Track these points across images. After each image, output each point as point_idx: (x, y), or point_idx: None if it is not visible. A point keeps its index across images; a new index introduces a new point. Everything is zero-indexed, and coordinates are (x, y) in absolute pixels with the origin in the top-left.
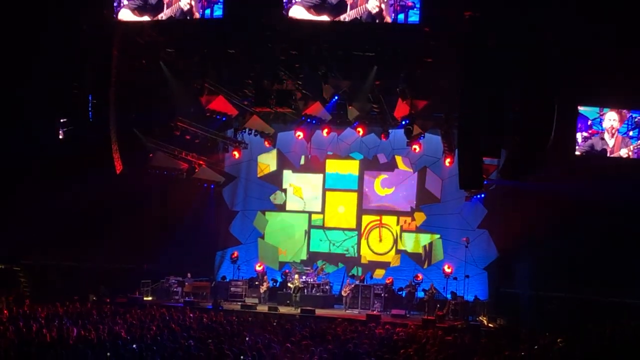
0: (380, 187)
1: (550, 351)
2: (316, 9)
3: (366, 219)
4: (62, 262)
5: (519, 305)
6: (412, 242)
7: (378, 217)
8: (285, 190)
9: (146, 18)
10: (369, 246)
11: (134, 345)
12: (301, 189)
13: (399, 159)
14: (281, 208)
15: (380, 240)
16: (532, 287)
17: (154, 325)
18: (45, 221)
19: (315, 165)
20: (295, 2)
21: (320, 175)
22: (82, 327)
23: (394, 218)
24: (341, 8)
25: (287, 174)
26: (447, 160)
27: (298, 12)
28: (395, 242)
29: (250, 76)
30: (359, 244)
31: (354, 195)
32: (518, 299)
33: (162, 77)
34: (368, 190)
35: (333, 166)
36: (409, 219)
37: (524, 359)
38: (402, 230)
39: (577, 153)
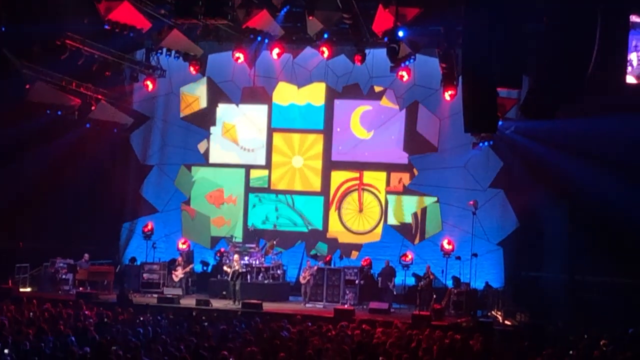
0: (359, 125)
1: (591, 357)
2: None
3: (338, 176)
4: None
5: (548, 294)
6: (398, 209)
7: (357, 174)
8: (209, 137)
9: None
10: (342, 221)
11: (6, 352)
12: (235, 128)
13: (379, 91)
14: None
15: (361, 211)
16: (566, 270)
17: (34, 327)
18: None
19: (261, 99)
20: None
21: (264, 108)
22: None
23: (382, 175)
24: None
25: (223, 110)
26: (448, 93)
27: None
28: (384, 213)
29: None
30: (326, 216)
31: (319, 138)
32: (546, 286)
33: None
34: (341, 130)
35: (284, 93)
36: (406, 176)
37: None
38: (386, 193)
39: (630, 80)
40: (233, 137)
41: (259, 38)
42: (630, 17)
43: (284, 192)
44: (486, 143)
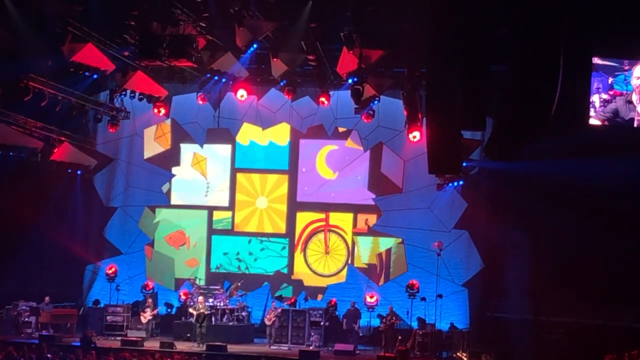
0: (325, 165)
1: None
2: None
3: (303, 218)
4: None
5: (513, 335)
6: (363, 250)
7: (323, 215)
8: (172, 179)
9: None
10: (308, 264)
11: None
12: (206, 161)
13: (344, 132)
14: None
15: (327, 253)
16: (531, 311)
17: None
18: None
19: (226, 140)
20: None
21: (228, 148)
22: None
23: (349, 216)
24: None
25: (187, 151)
26: (412, 135)
27: None
28: (351, 254)
29: (132, 16)
30: (291, 258)
31: (283, 179)
32: (511, 327)
33: (7, 18)
34: (306, 171)
35: (249, 134)
36: (373, 217)
37: None
38: (353, 234)
39: (593, 122)
40: (202, 169)
41: (224, 80)
42: (593, 59)
43: (248, 235)
44: (455, 184)
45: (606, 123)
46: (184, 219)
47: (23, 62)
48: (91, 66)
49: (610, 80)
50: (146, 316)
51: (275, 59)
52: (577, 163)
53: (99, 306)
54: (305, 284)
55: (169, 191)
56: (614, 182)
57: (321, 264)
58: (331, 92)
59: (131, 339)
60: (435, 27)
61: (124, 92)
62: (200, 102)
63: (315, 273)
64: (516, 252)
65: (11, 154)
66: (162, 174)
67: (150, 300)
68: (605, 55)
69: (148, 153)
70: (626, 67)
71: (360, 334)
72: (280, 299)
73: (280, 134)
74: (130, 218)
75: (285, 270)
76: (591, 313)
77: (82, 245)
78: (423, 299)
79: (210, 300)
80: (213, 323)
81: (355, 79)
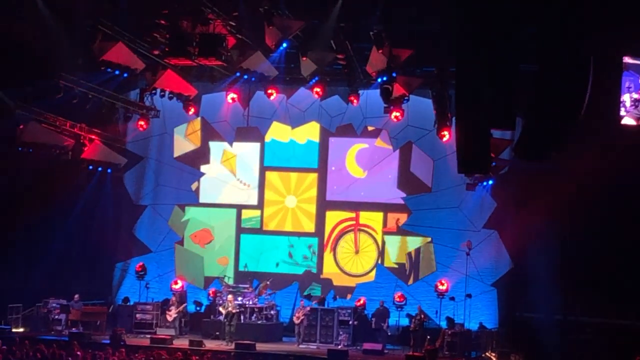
0: (355, 163)
1: None
2: None
3: (333, 217)
4: None
5: (542, 335)
6: (392, 249)
7: (353, 214)
8: (201, 177)
9: None
10: (337, 263)
11: None
12: (235, 159)
13: (373, 131)
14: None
15: (357, 252)
16: (560, 311)
17: None
18: None
19: (255, 138)
20: None
21: (257, 147)
22: None
23: (379, 215)
24: None
25: (216, 150)
26: (442, 134)
27: None
28: (381, 254)
29: (162, 14)
30: (320, 258)
31: (313, 177)
32: (540, 327)
33: (39, 18)
34: (336, 169)
35: (278, 133)
36: (403, 216)
37: None
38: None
39: (624, 122)
40: (232, 166)
41: (253, 78)
42: (624, 58)
43: (277, 233)
44: (485, 183)
45: (636, 123)
46: (213, 218)
47: (53, 60)
48: (121, 65)
49: None
50: (171, 314)
51: (304, 58)
52: (608, 162)
53: (128, 304)
54: (335, 283)
55: (197, 189)
56: None
57: (351, 264)
58: (360, 91)
59: (160, 336)
60: (464, 26)
61: (154, 91)
62: (230, 101)
63: (345, 273)
64: (545, 251)
65: (41, 152)
66: (192, 172)
67: (174, 298)
68: (637, 54)
69: (177, 151)
70: None
71: (389, 334)
72: (308, 297)
73: (309, 133)
74: (160, 216)
75: (314, 270)
76: (621, 313)
77: (111, 243)
78: (452, 298)
79: (239, 298)
80: (242, 321)
81: (384, 78)
